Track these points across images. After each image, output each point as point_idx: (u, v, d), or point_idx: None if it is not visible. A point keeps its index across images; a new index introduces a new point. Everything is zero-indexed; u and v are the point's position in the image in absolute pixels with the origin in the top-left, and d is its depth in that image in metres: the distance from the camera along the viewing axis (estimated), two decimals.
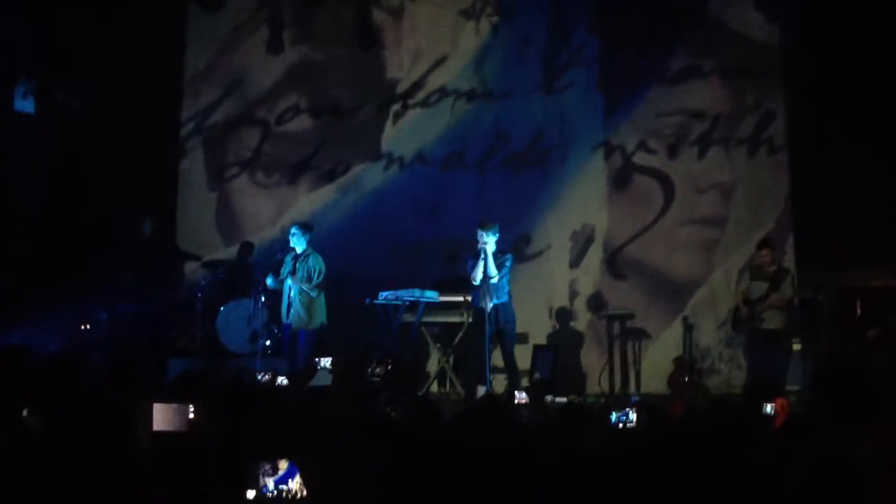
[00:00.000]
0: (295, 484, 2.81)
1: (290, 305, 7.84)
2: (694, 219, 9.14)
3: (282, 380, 5.42)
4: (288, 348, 7.94)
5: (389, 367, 6.80)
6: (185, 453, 3.28)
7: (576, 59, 9.44)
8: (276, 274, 8.04)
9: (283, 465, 2.83)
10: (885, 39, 7.98)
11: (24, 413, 3.73)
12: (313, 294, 7.83)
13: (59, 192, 9.11)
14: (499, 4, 9.58)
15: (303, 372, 6.13)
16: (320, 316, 7.93)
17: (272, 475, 2.81)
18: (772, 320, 7.74)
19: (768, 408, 4.30)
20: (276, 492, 2.81)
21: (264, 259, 9.13)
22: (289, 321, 7.88)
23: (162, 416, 3.45)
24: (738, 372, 8.59)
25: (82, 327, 8.51)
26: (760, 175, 9.03)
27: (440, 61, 9.74)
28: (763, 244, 8.05)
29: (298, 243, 7.89)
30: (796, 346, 8.00)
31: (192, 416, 3.47)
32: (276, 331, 8.42)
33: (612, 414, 4.08)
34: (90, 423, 2.91)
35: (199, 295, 8.84)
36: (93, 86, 9.30)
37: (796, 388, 7.43)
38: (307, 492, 2.80)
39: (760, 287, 7.77)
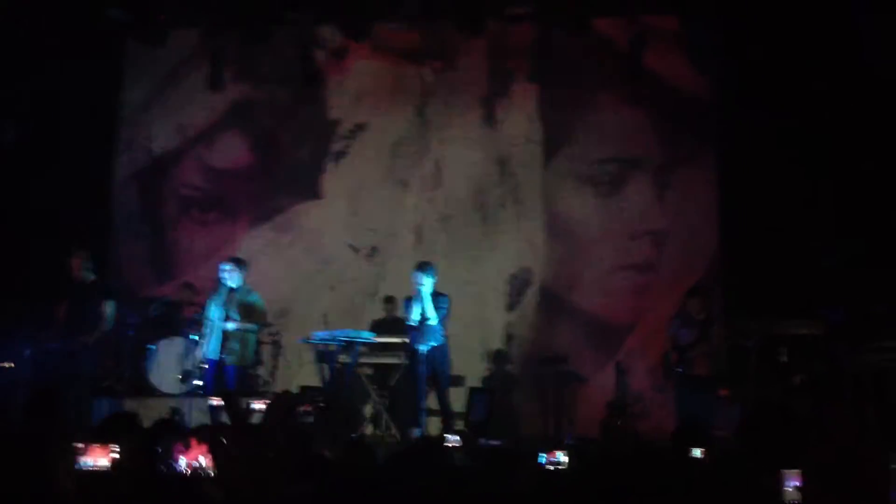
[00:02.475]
0: (205, 460, 2.85)
1: (225, 340, 7.62)
2: (627, 264, 9.30)
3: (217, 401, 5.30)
4: (213, 384, 7.68)
5: (322, 405, 6.73)
6: (110, 494, 3.19)
7: (516, 106, 9.62)
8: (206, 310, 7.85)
9: (195, 445, 2.84)
10: (815, 92, 8.29)
11: None
12: (252, 329, 7.69)
13: None
14: (441, 49, 9.73)
15: (242, 411, 6.00)
16: (251, 353, 7.80)
17: (184, 451, 2.84)
18: (700, 366, 7.90)
19: (697, 452, 4.38)
20: (188, 469, 2.90)
21: (198, 296, 9.00)
22: (218, 357, 7.64)
23: (88, 456, 3.35)
24: (669, 417, 8.70)
25: (5, 365, 8.19)
26: (691, 223, 9.25)
27: (382, 103, 9.83)
28: (693, 292, 8.20)
29: (233, 279, 7.71)
30: (724, 392, 8.15)
31: (118, 455, 3.38)
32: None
33: (541, 456, 4.11)
34: (8, 461, 2.83)
35: (129, 333, 8.60)
36: (26, 118, 9.10)
37: (724, 432, 7.56)
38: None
39: (689, 334, 7.93)
